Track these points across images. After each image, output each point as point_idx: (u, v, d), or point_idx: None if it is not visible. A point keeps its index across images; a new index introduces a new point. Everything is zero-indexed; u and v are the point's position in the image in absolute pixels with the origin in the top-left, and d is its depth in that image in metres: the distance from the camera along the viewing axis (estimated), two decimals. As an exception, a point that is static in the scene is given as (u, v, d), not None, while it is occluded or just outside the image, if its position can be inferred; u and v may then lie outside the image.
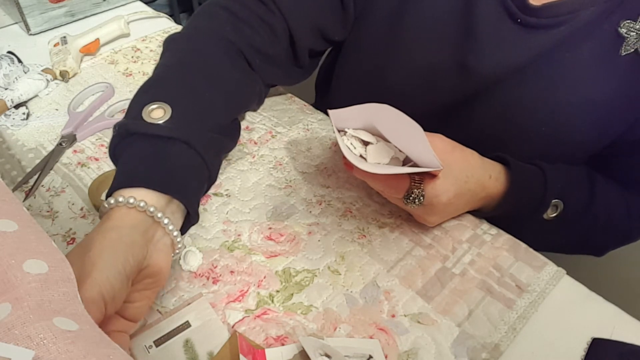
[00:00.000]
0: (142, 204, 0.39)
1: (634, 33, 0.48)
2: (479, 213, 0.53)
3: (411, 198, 0.46)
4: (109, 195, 0.42)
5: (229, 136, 0.54)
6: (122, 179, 0.42)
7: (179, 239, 0.42)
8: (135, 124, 0.45)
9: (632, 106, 0.52)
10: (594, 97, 0.51)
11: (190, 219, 0.45)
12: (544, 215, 0.52)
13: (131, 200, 0.39)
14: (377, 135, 0.47)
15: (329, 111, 0.47)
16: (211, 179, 0.49)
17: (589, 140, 0.55)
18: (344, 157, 0.46)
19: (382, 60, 0.61)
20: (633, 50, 0.49)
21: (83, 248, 0.36)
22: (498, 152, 0.52)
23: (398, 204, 0.50)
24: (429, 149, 0.41)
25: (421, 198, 0.46)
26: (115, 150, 0.46)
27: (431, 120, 0.49)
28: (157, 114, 0.45)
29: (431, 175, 0.47)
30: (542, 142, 0.55)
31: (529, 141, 0.56)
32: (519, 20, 0.52)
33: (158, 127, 0.44)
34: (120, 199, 0.39)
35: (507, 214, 0.52)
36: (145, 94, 0.48)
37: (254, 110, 0.65)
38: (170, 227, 0.41)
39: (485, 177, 0.50)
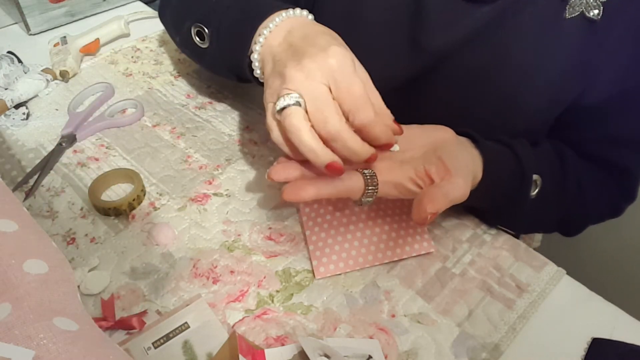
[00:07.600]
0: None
1: None
2: (472, 205, 0.51)
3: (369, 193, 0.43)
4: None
5: None
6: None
7: None
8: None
9: (583, 72, 0.52)
10: (543, 61, 0.52)
11: None
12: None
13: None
14: None
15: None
16: None
17: (544, 106, 0.55)
18: None
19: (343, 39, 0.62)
20: (578, 13, 0.49)
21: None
22: (460, 125, 0.50)
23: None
24: None
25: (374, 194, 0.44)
26: None
27: (393, 97, 0.49)
28: None
29: (443, 173, 0.43)
30: (500, 112, 0.55)
31: (488, 112, 0.56)
32: None
33: None
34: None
35: (491, 198, 0.50)
36: None
37: None
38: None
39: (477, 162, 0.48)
